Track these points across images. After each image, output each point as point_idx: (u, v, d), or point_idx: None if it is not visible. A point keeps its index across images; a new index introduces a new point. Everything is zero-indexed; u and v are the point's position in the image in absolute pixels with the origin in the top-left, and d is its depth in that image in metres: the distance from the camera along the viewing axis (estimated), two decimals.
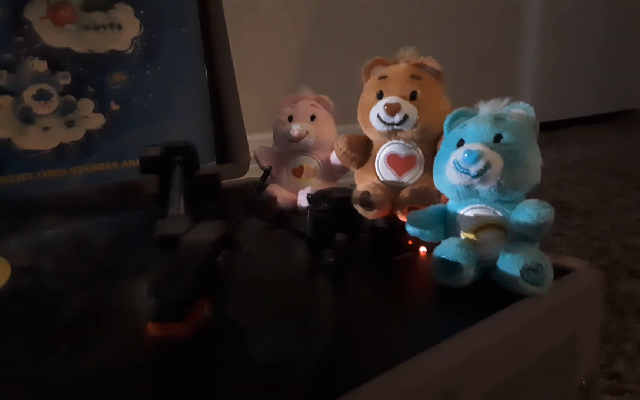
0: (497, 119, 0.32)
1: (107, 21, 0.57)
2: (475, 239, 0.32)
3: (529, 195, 0.32)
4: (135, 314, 0.27)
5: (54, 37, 0.54)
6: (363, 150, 0.42)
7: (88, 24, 0.56)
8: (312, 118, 0.51)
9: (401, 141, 0.40)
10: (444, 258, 0.31)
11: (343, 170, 0.50)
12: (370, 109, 0.40)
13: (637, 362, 0.47)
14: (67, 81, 0.55)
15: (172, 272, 0.26)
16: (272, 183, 0.51)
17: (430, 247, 0.34)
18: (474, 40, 1.50)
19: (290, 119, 0.51)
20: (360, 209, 0.39)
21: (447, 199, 0.35)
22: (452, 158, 0.32)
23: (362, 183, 0.41)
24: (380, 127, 0.39)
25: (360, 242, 0.41)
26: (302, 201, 0.46)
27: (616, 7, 1.98)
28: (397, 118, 0.38)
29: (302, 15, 1.15)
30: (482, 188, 0.31)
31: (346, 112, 0.50)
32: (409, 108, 0.38)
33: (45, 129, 0.54)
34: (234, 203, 0.51)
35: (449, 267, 0.31)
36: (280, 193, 0.49)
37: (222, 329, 0.27)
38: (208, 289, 0.27)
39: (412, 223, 0.34)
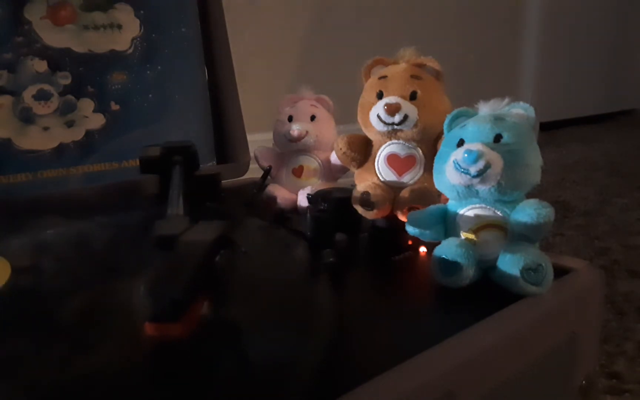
0: (497, 119, 0.32)
1: (107, 21, 0.57)
2: (475, 239, 0.32)
3: (529, 195, 0.32)
4: (133, 314, 0.27)
5: (54, 37, 0.54)
6: (363, 150, 0.42)
7: (88, 24, 0.56)
8: (312, 118, 0.51)
9: (401, 141, 0.40)
10: (444, 258, 0.31)
11: (343, 170, 0.50)
12: (370, 109, 0.40)
13: (637, 362, 0.47)
14: (67, 81, 0.55)
15: (170, 272, 0.26)
16: (272, 183, 0.51)
17: (430, 247, 0.34)
18: (474, 40, 1.50)
19: (290, 119, 0.51)
20: (360, 209, 0.39)
21: (447, 199, 0.35)
22: (452, 158, 0.32)
23: (362, 183, 0.41)
24: (380, 127, 0.39)
25: (360, 242, 0.41)
26: (302, 201, 0.46)
27: (616, 7, 1.98)
28: (397, 118, 0.38)
29: (302, 15, 1.15)
30: (482, 188, 0.31)
31: (346, 112, 0.50)
32: (409, 108, 0.38)
33: (45, 129, 0.54)
34: (234, 203, 0.51)
35: (449, 267, 0.31)
36: (280, 193, 0.49)
37: (219, 329, 0.27)
38: (206, 289, 0.27)
39: (412, 223, 0.34)
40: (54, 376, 0.23)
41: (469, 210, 0.33)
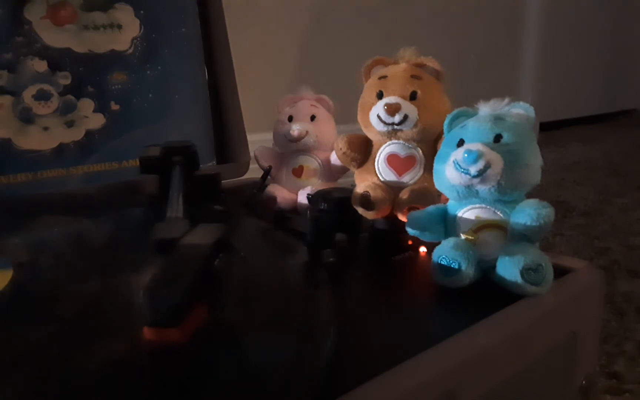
0: (497, 119, 0.32)
1: (107, 21, 0.57)
2: (475, 239, 0.32)
3: (529, 195, 0.32)
4: (131, 318, 0.26)
5: (54, 37, 0.54)
6: (363, 150, 0.42)
7: (88, 24, 0.56)
8: (312, 118, 0.51)
9: (401, 141, 0.40)
10: (443, 258, 0.31)
11: (343, 170, 0.50)
12: (370, 109, 0.40)
13: (637, 362, 0.47)
14: (67, 81, 0.55)
15: (169, 276, 0.25)
16: (272, 183, 0.51)
17: (430, 247, 0.34)
18: (474, 40, 1.50)
19: (290, 119, 0.51)
20: (360, 209, 0.39)
21: (447, 199, 0.35)
22: (452, 158, 0.32)
23: (362, 183, 0.41)
24: (380, 127, 0.39)
25: (360, 242, 0.41)
26: (302, 201, 0.46)
27: (616, 7, 1.98)
28: (397, 118, 0.38)
29: (302, 15, 1.15)
30: (482, 188, 0.31)
31: (346, 112, 0.50)
32: (409, 108, 0.38)
33: (45, 129, 0.54)
34: (234, 203, 0.51)
35: (449, 267, 0.31)
36: (280, 193, 0.49)
37: (219, 332, 0.26)
38: (205, 293, 0.27)
39: (412, 223, 0.34)
40: (48, 381, 0.23)
41: (469, 211, 0.33)
